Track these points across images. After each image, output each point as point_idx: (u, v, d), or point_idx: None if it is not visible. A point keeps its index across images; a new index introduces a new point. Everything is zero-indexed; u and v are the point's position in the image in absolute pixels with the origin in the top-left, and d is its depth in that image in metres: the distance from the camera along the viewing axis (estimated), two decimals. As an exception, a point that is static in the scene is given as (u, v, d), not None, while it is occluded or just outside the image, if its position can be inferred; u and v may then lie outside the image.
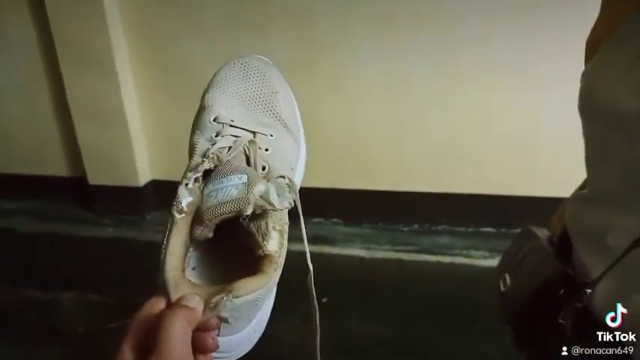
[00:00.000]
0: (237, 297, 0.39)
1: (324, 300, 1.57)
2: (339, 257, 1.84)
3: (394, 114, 1.86)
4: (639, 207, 0.46)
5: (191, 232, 0.43)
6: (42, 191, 2.31)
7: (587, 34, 0.58)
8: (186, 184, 0.44)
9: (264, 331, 0.45)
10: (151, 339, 0.35)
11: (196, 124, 0.50)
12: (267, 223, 0.43)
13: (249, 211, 0.41)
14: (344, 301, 1.57)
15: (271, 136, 0.50)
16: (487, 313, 1.52)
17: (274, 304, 0.46)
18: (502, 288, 0.67)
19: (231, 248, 0.46)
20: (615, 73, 0.48)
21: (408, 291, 1.63)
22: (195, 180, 0.44)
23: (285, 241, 0.44)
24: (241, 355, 0.44)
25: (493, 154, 1.83)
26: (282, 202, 0.44)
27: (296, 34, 1.83)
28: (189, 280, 0.41)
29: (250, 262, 0.43)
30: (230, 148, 0.47)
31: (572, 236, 0.57)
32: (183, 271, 0.42)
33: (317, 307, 0.48)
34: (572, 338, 0.53)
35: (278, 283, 0.43)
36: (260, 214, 0.43)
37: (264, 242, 0.42)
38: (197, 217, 0.43)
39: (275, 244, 0.43)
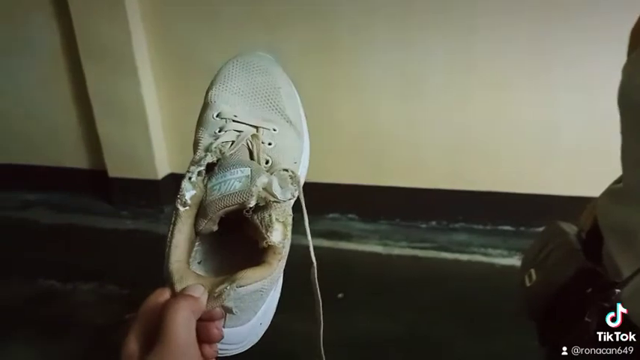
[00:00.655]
0: (240, 286, 0.39)
1: (340, 296, 1.57)
2: (355, 253, 1.83)
3: (411, 112, 1.84)
4: None
5: (196, 225, 0.43)
6: (63, 183, 2.35)
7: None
8: (190, 178, 0.44)
9: (274, 323, 0.45)
10: (155, 329, 0.35)
11: (200, 121, 0.51)
12: (270, 215, 0.43)
13: (252, 203, 0.42)
14: (359, 298, 1.57)
15: (274, 130, 0.50)
16: (504, 313, 1.51)
17: (284, 296, 0.46)
18: (527, 283, 0.66)
19: (236, 241, 0.46)
20: None
21: (425, 288, 1.61)
22: (199, 174, 0.45)
23: (289, 233, 0.44)
24: (248, 347, 0.43)
25: (511, 151, 1.80)
26: (285, 194, 0.44)
27: (312, 33, 1.83)
28: (194, 272, 0.41)
29: (255, 254, 0.43)
30: (233, 142, 0.47)
31: (604, 232, 0.55)
32: (188, 263, 0.42)
33: (321, 301, 0.47)
34: (596, 337, 0.52)
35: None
36: (263, 207, 0.43)
37: (268, 234, 0.42)
38: (201, 210, 0.43)
39: (278, 235, 0.43)
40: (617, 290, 0.50)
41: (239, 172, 0.43)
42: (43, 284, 1.56)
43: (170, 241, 0.42)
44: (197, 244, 0.45)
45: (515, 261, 1.69)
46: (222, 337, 0.39)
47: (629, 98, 0.51)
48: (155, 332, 0.35)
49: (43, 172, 2.38)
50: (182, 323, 0.35)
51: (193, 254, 0.44)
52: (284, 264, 0.43)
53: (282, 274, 0.44)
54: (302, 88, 0.50)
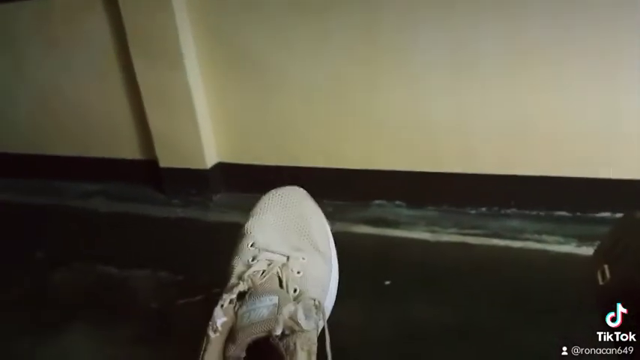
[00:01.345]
0: None
1: (387, 283, 1.55)
2: (402, 240, 1.80)
3: (460, 95, 1.78)
4: None
5: (225, 350, 0.45)
6: (119, 174, 2.45)
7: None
8: (222, 305, 0.47)
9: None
10: None
11: (236, 250, 0.55)
12: (295, 344, 0.44)
13: (278, 332, 0.44)
14: (407, 285, 1.54)
15: (303, 259, 0.53)
16: (559, 302, 1.45)
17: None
18: (600, 281, 0.61)
19: None
20: None
21: (475, 276, 1.57)
22: (230, 301, 0.47)
23: None
24: None
25: (566, 136, 1.72)
26: (309, 323, 0.45)
27: (357, 20, 1.79)
28: None
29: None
30: (264, 271, 0.50)
31: None
32: None
33: None
34: None
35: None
36: (289, 335, 0.45)
37: None
38: (231, 336, 0.45)
39: None
40: None
41: (268, 300, 0.45)
42: (102, 270, 1.63)
43: None
44: None
45: (572, 248, 1.62)
46: None
47: None
48: None
49: (100, 164, 2.49)
50: None
51: None
52: None
53: None
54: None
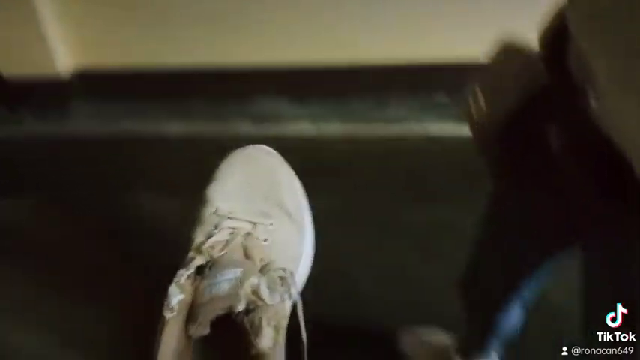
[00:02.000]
0: None
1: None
2: (286, 136, 1.76)
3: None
4: None
5: (186, 330, 0.42)
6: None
7: None
8: (177, 281, 0.43)
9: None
10: None
11: (196, 219, 0.50)
12: (260, 319, 0.41)
13: (240, 307, 0.41)
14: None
15: (271, 225, 0.48)
16: (445, 182, 1.52)
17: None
18: (472, 105, 0.58)
19: (231, 344, 0.44)
20: None
21: (362, 165, 1.59)
22: (188, 277, 0.44)
23: (281, 338, 0.43)
24: None
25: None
26: (274, 297, 0.42)
27: None
28: None
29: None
30: (227, 241, 0.46)
31: (573, 27, 0.43)
32: None
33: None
34: (563, 162, 0.45)
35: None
36: (254, 309, 0.42)
37: (256, 339, 0.41)
38: (191, 314, 0.42)
39: (268, 341, 0.41)
40: (591, 100, 0.41)
41: (230, 273, 0.42)
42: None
43: (157, 350, 0.41)
44: (190, 348, 0.43)
45: (451, 127, 1.69)
46: None
47: None
48: None
49: None
50: None
51: None
52: None
53: None
54: None
